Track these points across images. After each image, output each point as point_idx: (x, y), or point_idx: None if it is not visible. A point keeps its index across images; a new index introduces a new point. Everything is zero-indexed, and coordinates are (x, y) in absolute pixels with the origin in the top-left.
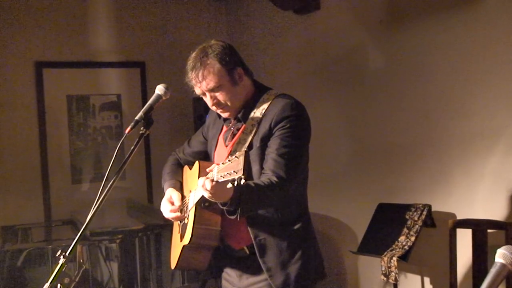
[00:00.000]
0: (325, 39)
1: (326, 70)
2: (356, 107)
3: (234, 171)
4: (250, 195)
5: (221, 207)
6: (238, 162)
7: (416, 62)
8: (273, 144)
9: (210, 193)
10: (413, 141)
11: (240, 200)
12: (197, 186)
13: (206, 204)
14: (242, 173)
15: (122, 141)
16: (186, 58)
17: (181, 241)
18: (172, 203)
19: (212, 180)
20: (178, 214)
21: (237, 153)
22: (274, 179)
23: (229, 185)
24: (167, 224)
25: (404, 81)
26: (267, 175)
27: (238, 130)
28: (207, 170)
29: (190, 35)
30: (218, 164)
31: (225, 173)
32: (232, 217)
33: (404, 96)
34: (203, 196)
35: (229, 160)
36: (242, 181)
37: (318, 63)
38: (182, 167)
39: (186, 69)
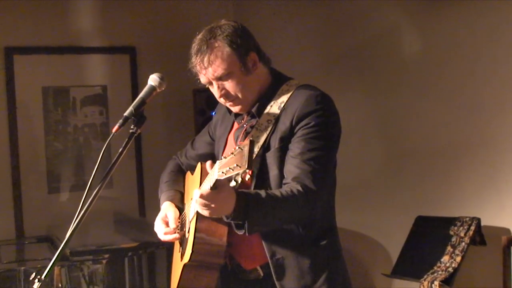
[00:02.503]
0: (351, 20)
1: (353, 57)
2: (389, 101)
3: (237, 165)
4: (260, 205)
5: (225, 220)
6: (242, 154)
7: (461, 47)
8: (296, 147)
9: (205, 206)
10: (459, 141)
11: (248, 210)
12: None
13: None
14: (247, 166)
15: (109, 142)
16: (184, 42)
17: (181, 260)
18: (167, 224)
19: (203, 195)
20: (176, 235)
21: (240, 143)
22: (298, 189)
23: (232, 183)
24: (162, 242)
25: (447, 70)
26: (289, 185)
27: (252, 127)
28: (208, 168)
29: (190, 14)
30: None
31: (227, 169)
32: (240, 232)
33: (447, 88)
34: None
35: (232, 153)
36: (248, 177)
37: (343, 49)
38: (184, 173)
39: (189, 53)
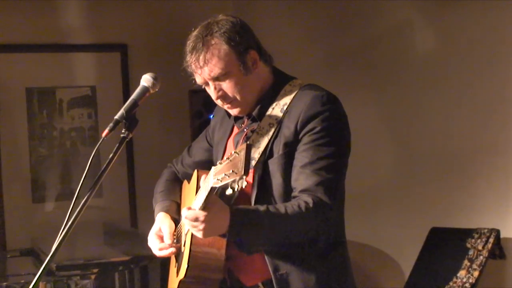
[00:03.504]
0: (359, 16)
1: (362, 56)
2: (400, 102)
3: (233, 171)
4: (257, 223)
5: (222, 237)
6: (238, 159)
7: (477, 44)
8: (304, 156)
9: (194, 227)
10: (477, 145)
11: (242, 230)
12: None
13: None
14: (243, 172)
15: (98, 147)
16: (179, 39)
17: (177, 276)
18: (162, 238)
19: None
20: (172, 250)
21: (237, 148)
22: (309, 202)
23: (229, 191)
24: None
25: (463, 68)
26: (298, 198)
27: (253, 132)
28: (203, 178)
29: (186, 10)
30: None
31: (223, 175)
32: (241, 251)
33: (463, 88)
34: None
35: (228, 158)
36: (244, 184)
37: (352, 47)
38: (180, 182)
39: (184, 51)
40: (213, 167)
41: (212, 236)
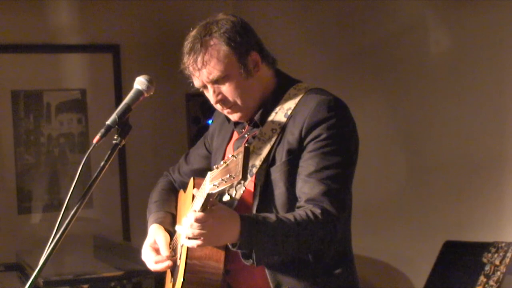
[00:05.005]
0: (367, 15)
1: (372, 58)
2: (412, 107)
3: (231, 176)
4: (269, 232)
5: (231, 248)
6: (235, 162)
7: (495, 45)
8: (310, 164)
9: (196, 234)
10: (493, 156)
11: (253, 238)
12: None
13: None
14: (241, 176)
15: (89, 154)
16: (175, 39)
17: None
18: (157, 251)
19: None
20: (168, 263)
21: (235, 152)
22: (316, 213)
23: (226, 197)
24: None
25: (480, 71)
26: (304, 208)
27: (254, 138)
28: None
29: (182, 8)
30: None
31: (220, 180)
32: (248, 263)
33: (480, 92)
34: None
35: (225, 162)
36: (242, 189)
37: (361, 47)
38: (176, 192)
39: (181, 52)
40: (209, 172)
41: (215, 244)
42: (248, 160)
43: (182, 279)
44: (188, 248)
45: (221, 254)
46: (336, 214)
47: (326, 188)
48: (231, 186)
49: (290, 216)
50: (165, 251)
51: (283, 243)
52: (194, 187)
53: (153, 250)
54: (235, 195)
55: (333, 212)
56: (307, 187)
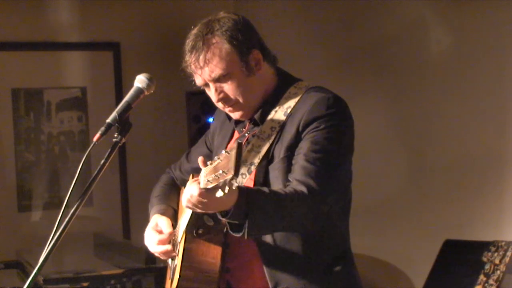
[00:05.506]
0: (367, 14)
1: (371, 56)
2: (411, 106)
3: (223, 172)
4: (264, 203)
5: (221, 218)
6: (228, 158)
7: (494, 45)
8: (301, 149)
9: (197, 206)
10: (493, 154)
11: (249, 208)
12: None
13: (200, 231)
14: (233, 172)
15: (89, 152)
16: (176, 37)
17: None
18: (160, 232)
19: (200, 189)
20: (168, 247)
21: (228, 147)
22: (303, 190)
23: (219, 193)
24: (150, 268)
25: (479, 70)
26: (291, 184)
27: (254, 136)
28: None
29: (182, 6)
30: (205, 166)
31: (213, 176)
32: (238, 235)
33: (479, 91)
34: (192, 217)
35: (218, 158)
36: (235, 185)
37: (361, 47)
38: (178, 189)
39: (183, 50)
40: (203, 168)
41: (213, 211)
42: (241, 156)
43: (178, 276)
44: (184, 246)
45: (218, 251)
46: (320, 191)
47: (313, 168)
48: (224, 182)
49: (280, 190)
50: (167, 229)
51: (275, 214)
52: None
53: (156, 232)
54: (227, 191)
55: (317, 189)
56: (296, 169)
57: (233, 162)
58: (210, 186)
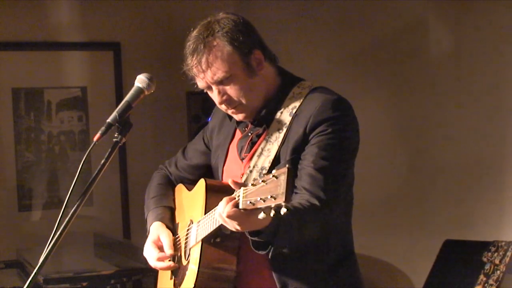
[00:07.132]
0: (369, 14)
1: (372, 56)
2: (413, 106)
3: (272, 196)
4: (289, 223)
5: (248, 236)
6: (277, 184)
7: (497, 45)
8: (309, 155)
9: (230, 224)
10: (493, 154)
11: (278, 230)
12: (202, 216)
13: (218, 239)
14: (284, 199)
15: (89, 152)
16: (176, 37)
17: None
18: (161, 248)
19: (237, 207)
20: (170, 263)
21: (275, 171)
22: (314, 202)
23: (261, 215)
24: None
25: (481, 70)
26: (303, 196)
27: (259, 136)
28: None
29: (183, 6)
30: (240, 184)
31: (257, 199)
32: (262, 253)
33: (481, 91)
34: (216, 230)
35: (263, 181)
36: (283, 211)
37: (362, 46)
38: (173, 186)
39: (184, 53)
40: (242, 188)
41: (245, 230)
42: (291, 183)
43: (192, 286)
44: (201, 251)
45: (233, 259)
46: (327, 202)
47: (321, 177)
48: (268, 207)
49: (298, 204)
50: (168, 250)
51: (299, 229)
52: (206, 190)
53: (156, 247)
54: (273, 215)
55: (325, 200)
56: (304, 176)
57: (283, 188)
58: (251, 208)
